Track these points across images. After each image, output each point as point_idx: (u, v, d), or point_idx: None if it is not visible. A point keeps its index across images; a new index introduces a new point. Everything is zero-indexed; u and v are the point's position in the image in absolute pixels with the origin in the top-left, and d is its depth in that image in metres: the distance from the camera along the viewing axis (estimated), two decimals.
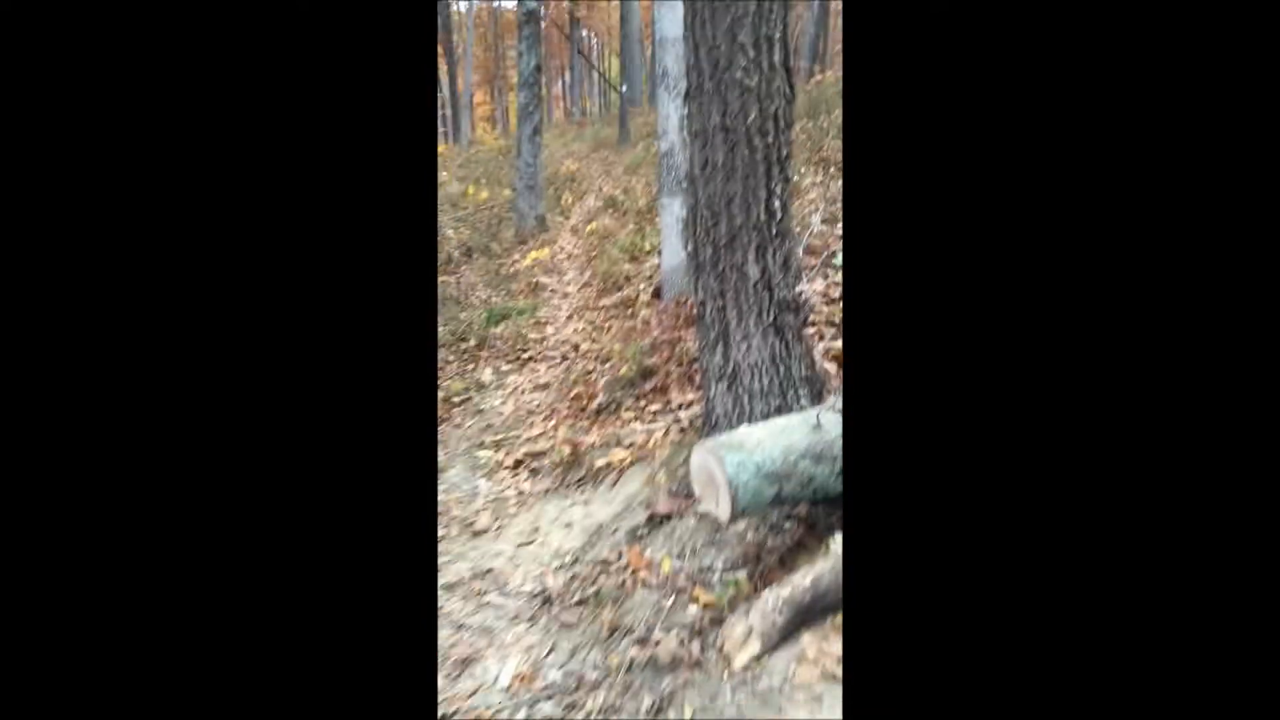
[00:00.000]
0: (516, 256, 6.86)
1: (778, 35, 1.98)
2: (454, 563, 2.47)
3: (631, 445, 2.83)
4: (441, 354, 4.70)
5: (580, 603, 2.10)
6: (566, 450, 2.93)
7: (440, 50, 21.02)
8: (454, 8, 20.57)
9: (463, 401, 3.92)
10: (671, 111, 3.62)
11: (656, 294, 4.30)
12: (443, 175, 11.99)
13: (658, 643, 1.76)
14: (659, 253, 5.45)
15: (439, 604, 2.23)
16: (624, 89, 12.94)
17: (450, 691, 1.84)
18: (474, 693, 1.83)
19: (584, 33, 20.74)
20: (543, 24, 7.52)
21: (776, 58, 1.98)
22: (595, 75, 24.13)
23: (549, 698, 1.76)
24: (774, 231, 2.12)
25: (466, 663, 1.94)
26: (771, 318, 2.16)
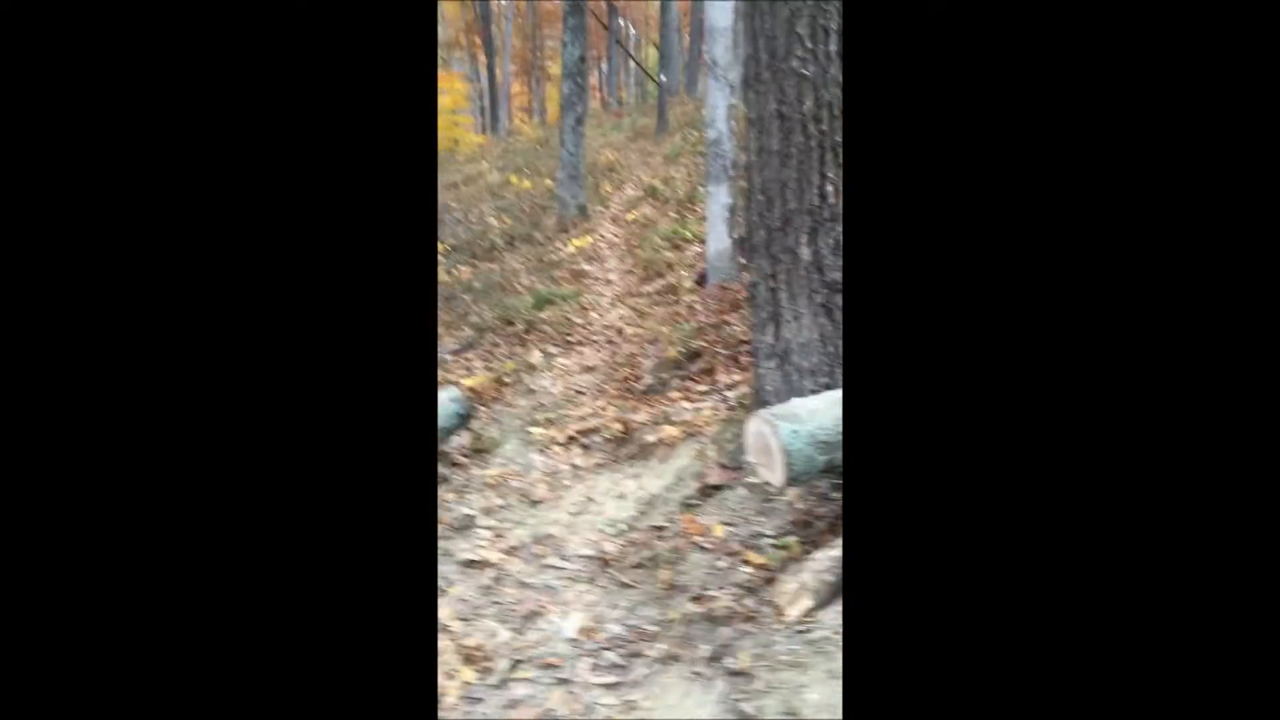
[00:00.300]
0: (559, 244, 6.99)
1: (833, 26, 2.06)
2: (514, 529, 2.62)
3: (681, 422, 2.95)
4: (489, 337, 4.87)
5: (637, 565, 2.22)
6: (618, 427, 3.05)
7: (479, 42, 21.25)
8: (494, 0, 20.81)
9: (514, 382, 4.07)
10: (719, 101, 3.70)
11: (700, 280, 4.40)
12: (483, 165, 12.20)
13: (714, 599, 1.88)
14: (700, 240, 5.55)
15: (504, 565, 2.37)
16: (662, 78, 12.99)
17: (519, 642, 1.98)
18: (541, 643, 1.97)
19: (621, 22, 20.84)
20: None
21: (832, 48, 2.07)
22: (631, 65, 24.21)
23: (612, 648, 1.89)
24: (826, 216, 2.21)
25: (532, 617, 2.09)
26: (822, 299, 2.26)
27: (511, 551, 2.46)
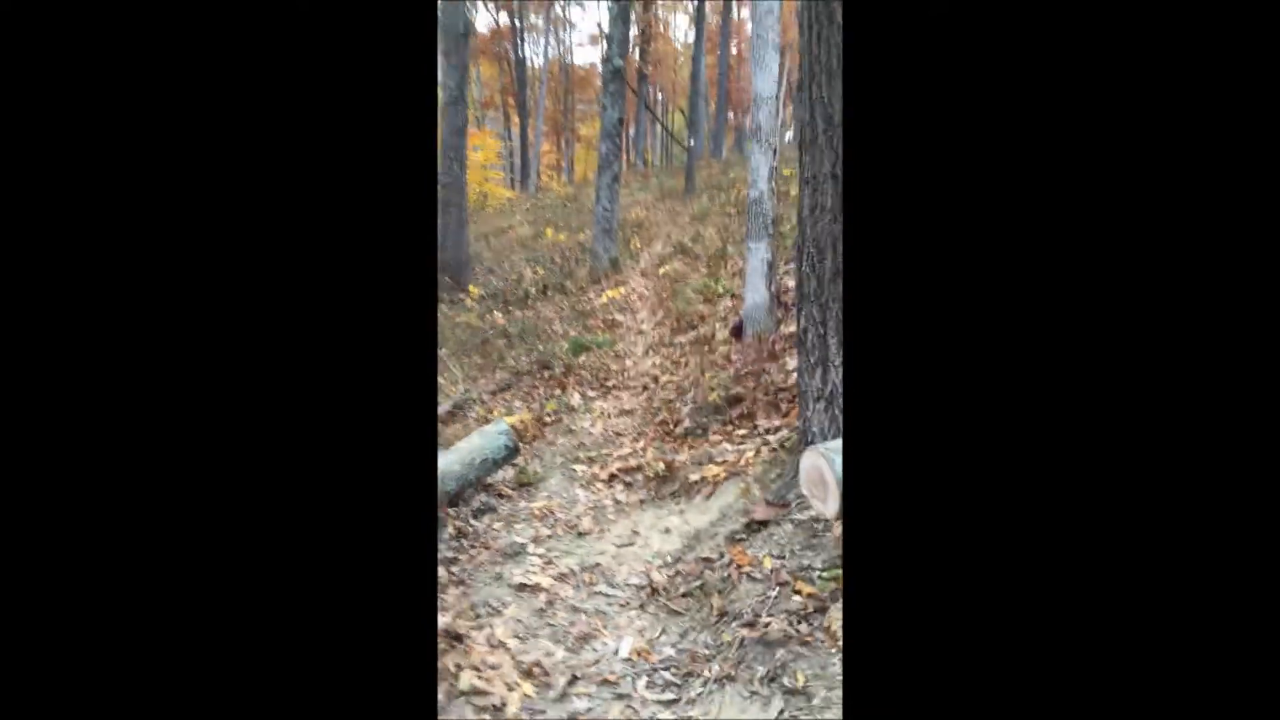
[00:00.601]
0: (591, 295, 7.21)
1: None
2: (563, 558, 2.71)
3: (724, 462, 3.05)
4: (526, 380, 5.02)
5: (686, 594, 2.30)
6: (660, 465, 3.16)
7: (513, 103, 22.18)
8: (529, 64, 21.81)
9: (553, 422, 4.20)
10: (762, 163, 3.92)
11: (736, 331, 4.55)
12: (514, 219, 12.64)
13: (766, 625, 1.96)
14: (732, 294, 5.73)
15: (555, 590, 2.46)
16: (691, 142, 13.48)
17: (574, 660, 2.06)
18: (596, 662, 2.04)
19: (649, 87, 21.70)
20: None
21: None
22: (658, 128, 25.03)
23: (667, 668, 1.96)
24: None
25: (586, 638, 2.16)
26: None
27: (562, 578, 2.55)
